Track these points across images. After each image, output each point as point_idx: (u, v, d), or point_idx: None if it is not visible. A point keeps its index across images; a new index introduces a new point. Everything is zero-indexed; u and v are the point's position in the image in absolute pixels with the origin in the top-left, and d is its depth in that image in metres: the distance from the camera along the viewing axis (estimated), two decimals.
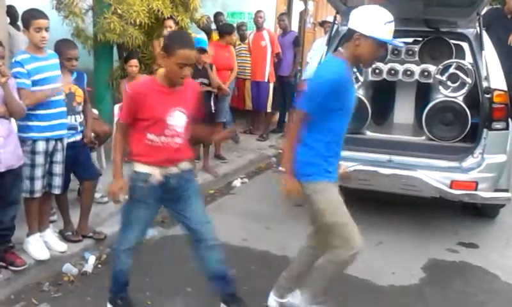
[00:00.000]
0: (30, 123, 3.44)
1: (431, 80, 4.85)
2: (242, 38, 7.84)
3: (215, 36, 7.37)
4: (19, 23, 6.14)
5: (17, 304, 3.26)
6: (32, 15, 3.38)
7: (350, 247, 2.75)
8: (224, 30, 6.89)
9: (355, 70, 4.88)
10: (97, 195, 4.43)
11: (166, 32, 6.22)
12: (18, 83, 3.32)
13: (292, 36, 8.21)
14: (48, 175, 3.59)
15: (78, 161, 3.91)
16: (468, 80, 4.60)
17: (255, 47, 7.60)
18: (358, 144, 4.38)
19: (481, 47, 4.42)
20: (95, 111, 5.13)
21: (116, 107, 6.05)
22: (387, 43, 2.68)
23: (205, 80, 5.69)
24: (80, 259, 3.80)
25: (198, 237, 2.96)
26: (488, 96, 4.17)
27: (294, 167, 2.80)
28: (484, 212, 4.86)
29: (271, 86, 7.73)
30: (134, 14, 5.84)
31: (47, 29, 3.39)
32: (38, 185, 3.51)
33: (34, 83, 3.41)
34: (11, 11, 5.93)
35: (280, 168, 4.72)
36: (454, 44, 5.13)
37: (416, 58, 5.20)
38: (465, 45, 5.03)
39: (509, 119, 4.25)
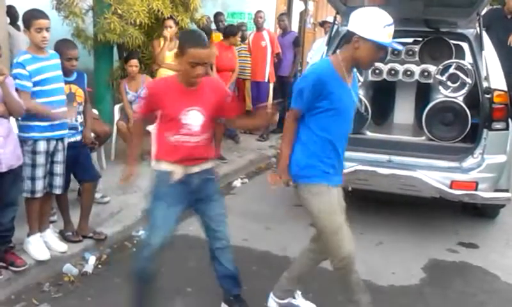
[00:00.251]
0: (31, 123, 3.44)
1: (431, 81, 4.85)
2: (242, 38, 7.85)
3: (215, 36, 7.38)
4: (19, 23, 6.17)
5: (17, 305, 3.26)
6: (33, 15, 3.38)
7: (339, 257, 2.77)
8: (229, 31, 6.88)
9: (355, 69, 4.91)
10: (97, 195, 4.43)
11: (165, 32, 6.23)
12: (18, 85, 3.32)
13: (292, 36, 8.21)
14: (49, 175, 3.59)
15: (78, 161, 3.91)
16: (468, 80, 4.60)
17: (255, 47, 7.60)
18: (358, 144, 4.38)
19: (481, 47, 4.42)
20: (95, 111, 5.14)
21: (116, 108, 6.06)
22: (386, 46, 2.67)
23: None
24: (81, 259, 3.79)
25: (215, 236, 2.96)
26: (488, 96, 4.17)
27: (288, 163, 2.83)
28: (484, 212, 4.86)
29: (271, 86, 7.72)
30: (134, 14, 5.85)
31: (47, 29, 3.39)
32: (40, 185, 3.51)
33: (36, 84, 3.41)
34: (11, 11, 5.94)
35: None
36: (454, 44, 5.13)
37: (417, 58, 5.20)
38: (465, 45, 5.03)
39: (509, 120, 4.25)
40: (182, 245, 4.25)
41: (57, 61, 3.59)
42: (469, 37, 4.63)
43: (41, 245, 3.60)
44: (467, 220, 4.88)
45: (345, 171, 3.02)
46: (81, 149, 3.96)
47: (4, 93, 3.16)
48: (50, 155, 3.55)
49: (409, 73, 4.91)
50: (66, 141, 3.68)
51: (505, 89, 4.23)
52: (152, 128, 6.12)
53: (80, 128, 3.96)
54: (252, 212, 5.01)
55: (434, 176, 4.13)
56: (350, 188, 4.23)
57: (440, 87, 4.74)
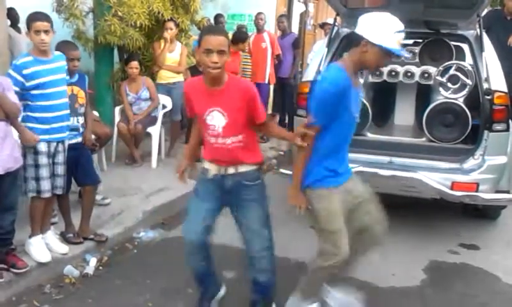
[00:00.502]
0: (30, 125, 3.43)
1: (431, 82, 4.86)
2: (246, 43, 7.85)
3: None
4: (20, 25, 6.19)
5: (19, 306, 3.26)
6: (32, 18, 3.37)
7: (333, 255, 2.79)
8: (238, 37, 6.82)
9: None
10: (98, 197, 4.43)
11: (166, 34, 6.24)
12: None
13: (291, 38, 8.21)
14: (52, 176, 3.57)
15: (79, 163, 3.91)
16: (469, 81, 4.60)
17: (255, 48, 7.60)
18: (359, 146, 4.38)
19: (481, 49, 4.42)
20: (96, 113, 5.15)
21: (117, 109, 6.07)
22: (394, 53, 2.65)
23: None
24: (82, 261, 3.79)
25: (247, 245, 2.95)
26: (488, 97, 4.17)
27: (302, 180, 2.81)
28: (485, 214, 4.85)
29: (271, 87, 7.72)
30: (134, 16, 5.86)
31: (46, 32, 3.36)
32: (46, 185, 3.49)
33: (35, 87, 3.38)
34: (11, 13, 5.96)
35: (281, 170, 4.76)
36: (454, 45, 5.13)
37: (417, 60, 5.20)
38: (465, 47, 5.04)
39: (510, 121, 4.25)
40: (182, 246, 4.23)
41: (62, 63, 3.57)
42: (469, 38, 4.63)
43: (43, 246, 3.59)
44: (468, 222, 4.88)
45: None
46: (82, 151, 3.96)
47: None
48: (51, 157, 3.54)
49: (409, 74, 4.92)
50: (67, 142, 3.68)
51: (506, 90, 4.23)
52: (153, 130, 6.19)
53: (81, 130, 3.97)
54: None
55: (435, 177, 4.13)
56: None
57: (441, 89, 4.74)
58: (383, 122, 5.34)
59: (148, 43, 6.44)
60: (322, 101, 2.69)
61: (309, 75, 4.83)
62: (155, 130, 5.96)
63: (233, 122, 2.75)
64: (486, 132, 4.17)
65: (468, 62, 4.87)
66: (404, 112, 5.35)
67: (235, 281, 3.54)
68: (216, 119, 2.75)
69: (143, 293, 3.46)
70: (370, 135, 4.92)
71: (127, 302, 3.39)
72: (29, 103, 3.41)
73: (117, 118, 5.99)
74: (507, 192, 4.29)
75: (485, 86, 4.23)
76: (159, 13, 6.13)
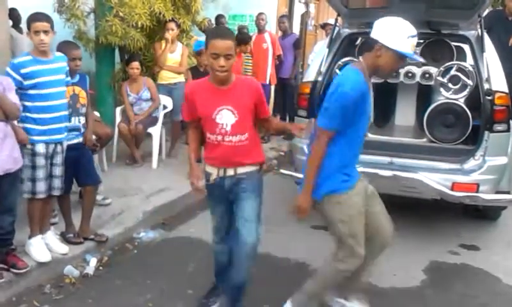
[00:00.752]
0: (28, 126, 3.42)
1: (432, 82, 4.85)
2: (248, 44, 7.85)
3: None
4: (22, 25, 6.19)
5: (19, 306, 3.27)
6: (31, 18, 3.38)
7: (350, 256, 2.82)
8: (241, 38, 6.81)
9: None
10: (99, 197, 4.43)
11: (167, 34, 6.25)
12: None
13: (292, 38, 8.22)
14: (49, 177, 3.57)
15: (80, 163, 3.91)
16: (470, 82, 4.60)
17: (256, 49, 7.59)
18: None
19: (482, 49, 4.41)
20: (97, 113, 5.15)
21: (118, 110, 6.08)
22: (408, 57, 2.69)
23: None
24: (82, 261, 3.79)
25: (238, 235, 2.90)
26: (489, 98, 4.16)
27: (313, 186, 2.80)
28: (485, 214, 4.84)
29: (272, 88, 7.72)
30: (135, 17, 5.87)
31: (46, 32, 3.35)
32: (41, 186, 3.50)
33: (32, 86, 3.37)
34: (13, 14, 5.97)
35: (282, 171, 4.76)
36: (455, 46, 5.13)
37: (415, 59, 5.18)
38: (466, 47, 5.03)
39: (511, 121, 4.24)
40: (183, 247, 4.26)
41: (63, 64, 3.56)
42: (470, 39, 4.63)
43: (43, 247, 3.60)
44: (468, 222, 4.87)
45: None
46: (83, 151, 3.96)
47: None
48: (49, 158, 3.54)
49: (410, 75, 4.91)
50: (66, 143, 3.66)
51: (507, 90, 4.22)
52: (153, 130, 6.19)
53: (82, 130, 3.96)
54: None
55: (436, 178, 4.13)
56: None
57: (441, 89, 4.74)
58: (383, 122, 5.34)
59: (149, 44, 6.44)
60: (341, 106, 2.65)
61: (310, 75, 4.83)
62: (156, 131, 5.96)
63: (242, 120, 2.78)
64: (486, 132, 4.16)
65: (469, 62, 4.86)
66: (404, 113, 5.34)
67: None
68: (225, 118, 2.77)
69: (143, 294, 3.46)
70: (371, 136, 4.91)
71: (127, 303, 3.39)
72: (27, 103, 3.38)
73: (118, 118, 5.99)
74: (508, 192, 4.28)
75: (486, 86, 4.22)
76: (160, 13, 6.14)
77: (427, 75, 4.86)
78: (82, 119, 3.96)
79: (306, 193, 2.82)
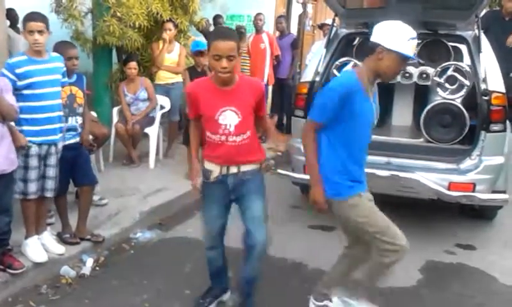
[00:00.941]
0: (22, 127, 3.39)
1: (429, 83, 4.86)
2: (241, 41, 7.86)
3: None
4: (19, 25, 6.19)
5: None
6: (26, 18, 3.36)
7: (398, 247, 2.79)
8: None
9: None
10: (95, 197, 4.42)
11: (165, 35, 6.25)
12: None
13: (290, 39, 8.22)
14: (42, 178, 3.55)
15: (77, 163, 3.90)
16: (466, 82, 4.61)
17: (254, 49, 7.60)
18: None
19: (479, 49, 4.42)
20: (94, 114, 5.15)
21: (115, 110, 6.07)
22: (409, 58, 2.72)
23: None
24: (78, 261, 3.78)
25: (250, 238, 2.93)
26: (486, 98, 4.17)
27: (320, 178, 2.80)
28: (482, 214, 4.85)
29: (270, 88, 7.73)
30: (133, 17, 5.86)
31: (40, 32, 3.33)
32: (32, 187, 3.47)
33: (26, 86, 3.35)
34: (11, 14, 5.96)
35: (279, 171, 4.77)
36: (452, 46, 5.13)
37: (412, 61, 5.19)
38: (463, 47, 5.04)
39: (507, 121, 4.25)
40: (180, 247, 4.26)
41: (59, 64, 3.54)
42: (467, 39, 4.64)
43: (39, 247, 3.59)
44: (465, 222, 4.88)
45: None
46: (80, 152, 3.95)
47: None
48: (42, 159, 3.51)
49: (407, 75, 4.92)
50: (61, 144, 3.63)
51: (504, 91, 4.23)
52: (150, 130, 6.18)
53: (79, 130, 3.96)
54: None
55: (432, 177, 4.13)
56: None
57: (438, 89, 4.75)
58: (380, 122, 5.32)
59: (146, 44, 6.44)
60: (325, 97, 2.76)
61: (307, 75, 4.84)
62: (153, 131, 5.96)
63: (245, 119, 2.80)
64: (483, 132, 4.17)
65: (466, 63, 4.87)
66: (401, 113, 5.35)
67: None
68: (229, 119, 2.78)
69: (139, 294, 3.45)
70: None
71: (123, 303, 3.39)
72: (21, 104, 3.33)
73: (115, 118, 5.99)
74: (504, 192, 4.29)
75: (483, 86, 4.22)
76: (157, 13, 6.13)
77: (424, 75, 4.86)
78: (79, 119, 3.95)
79: (314, 186, 2.82)
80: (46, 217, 3.82)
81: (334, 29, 5.09)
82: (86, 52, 6.20)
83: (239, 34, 7.07)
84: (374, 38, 2.70)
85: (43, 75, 3.41)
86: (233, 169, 2.88)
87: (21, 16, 3.95)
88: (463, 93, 4.65)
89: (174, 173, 5.64)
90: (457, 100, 4.65)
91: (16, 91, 3.34)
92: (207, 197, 3.01)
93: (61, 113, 3.60)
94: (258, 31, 7.75)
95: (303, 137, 2.84)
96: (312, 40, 11.03)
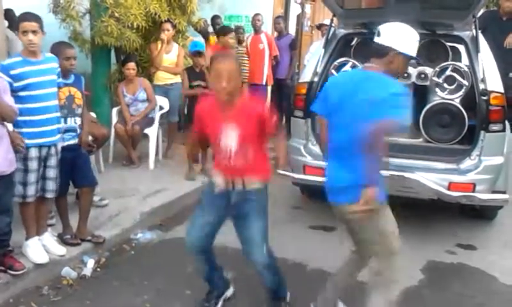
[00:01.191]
0: (21, 130, 3.37)
1: (427, 83, 4.86)
2: (240, 41, 7.85)
3: (212, 39, 7.39)
4: None
5: None
6: (20, 18, 3.35)
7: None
8: (219, 30, 6.89)
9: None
10: (96, 198, 4.42)
11: (163, 35, 6.24)
12: None
13: (288, 39, 8.23)
14: (42, 179, 3.54)
15: (76, 164, 3.89)
16: (465, 82, 4.62)
17: (252, 49, 7.60)
18: None
19: (477, 49, 4.43)
20: (93, 114, 5.14)
21: (114, 110, 6.07)
22: (414, 59, 2.85)
23: (202, 83, 5.71)
24: (79, 262, 3.78)
25: (248, 257, 3.00)
26: (484, 98, 4.18)
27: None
28: (482, 214, 4.86)
29: (269, 89, 7.73)
30: (131, 17, 5.86)
31: (34, 32, 3.31)
32: (31, 190, 3.46)
33: (23, 88, 3.34)
34: (9, 14, 5.94)
35: (279, 171, 4.76)
36: (451, 46, 5.15)
37: (413, 60, 5.20)
38: (461, 48, 5.05)
39: (506, 121, 4.26)
40: (180, 247, 4.24)
41: (53, 64, 3.53)
42: (465, 39, 4.65)
43: (40, 248, 3.58)
44: (465, 222, 4.89)
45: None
46: (79, 153, 3.94)
47: None
48: (42, 160, 3.51)
49: (405, 75, 4.92)
50: (60, 145, 3.63)
51: (502, 91, 4.24)
52: (150, 131, 6.16)
53: (78, 131, 3.95)
54: None
55: (432, 178, 4.14)
56: None
57: (437, 90, 4.75)
58: None
59: (145, 45, 6.44)
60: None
61: (306, 76, 4.84)
62: (153, 131, 5.95)
63: (246, 140, 2.81)
64: (482, 132, 4.18)
65: (464, 63, 4.88)
66: None
67: (236, 281, 3.52)
68: (229, 137, 2.81)
69: (140, 295, 3.46)
70: None
71: (124, 304, 3.39)
72: (18, 106, 3.29)
73: (114, 119, 5.98)
74: (504, 192, 4.30)
75: (481, 86, 4.24)
76: (155, 14, 6.13)
77: (422, 76, 4.87)
78: (78, 120, 3.94)
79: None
80: (47, 218, 3.82)
81: (332, 29, 5.09)
82: (84, 52, 6.19)
83: (238, 34, 7.09)
84: (385, 42, 2.71)
85: (38, 76, 3.39)
86: (239, 186, 2.90)
87: None
88: (461, 93, 4.66)
89: (174, 174, 5.64)
90: (455, 100, 4.66)
91: (13, 93, 3.30)
92: (205, 205, 3.02)
93: (58, 114, 3.59)
94: (257, 31, 7.76)
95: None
96: (310, 41, 11.04)
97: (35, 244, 3.57)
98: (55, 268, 3.61)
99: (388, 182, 4.19)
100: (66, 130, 3.82)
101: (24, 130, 3.39)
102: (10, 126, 3.37)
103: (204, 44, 6.42)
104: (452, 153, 4.41)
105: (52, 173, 3.58)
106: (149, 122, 5.98)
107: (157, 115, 6.09)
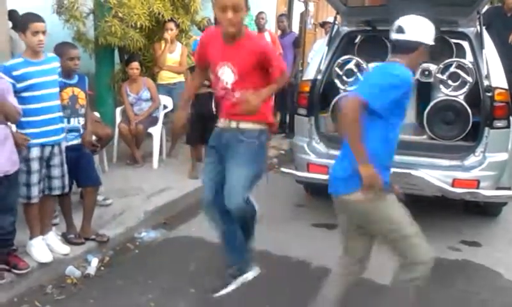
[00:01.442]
0: (24, 131, 3.39)
1: (431, 80, 4.85)
2: None
3: None
4: None
5: None
6: (29, 19, 3.36)
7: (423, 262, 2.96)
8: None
9: (355, 70, 4.91)
10: (100, 197, 4.43)
11: (166, 34, 6.25)
12: None
13: (292, 37, 8.21)
14: (48, 178, 3.56)
15: (80, 164, 3.90)
16: (469, 78, 4.59)
17: None
18: None
19: (482, 46, 4.41)
20: (97, 114, 5.16)
21: (118, 110, 6.08)
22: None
23: (206, 82, 5.69)
24: (83, 261, 3.79)
25: (223, 196, 2.88)
26: (489, 94, 4.16)
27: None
28: (486, 211, 4.84)
29: None
30: (134, 17, 5.87)
31: (44, 33, 3.34)
32: (35, 191, 3.47)
33: (25, 89, 3.35)
34: (13, 15, 5.96)
35: (282, 169, 4.77)
36: (455, 43, 5.12)
37: None
38: (466, 44, 5.02)
39: (511, 118, 4.24)
40: (184, 246, 4.26)
41: (55, 64, 3.54)
42: (469, 35, 4.63)
43: (44, 247, 3.60)
44: (469, 219, 4.87)
45: None
46: (83, 152, 3.95)
47: None
48: (45, 160, 3.51)
49: None
50: (63, 144, 3.64)
51: (506, 87, 4.22)
52: (154, 130, 6.18)
53: (82, 131, 3.96)
54: None
55: (436, 174, 4.13)
56: None
57: (441, 86, 4.73)
58: None
59: (148, 44, 6.45)
60: (388, 81, 2.55)
61: (309, 74, 4.84)
62: (156, 131, 5.96)
63: (243, 79, 2.79)
64: (486, 129, 4.17)
65: (468, 59, 4.86)
66: None
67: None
68: (226, 74, 2.80)
69: (144, 293, 3.46)
70: None
71: (128, 302, 3.40)
72: (21, 106, 3.29)
73: (118, 118, 6.00)
74: (508, 188, 4.27)
75: (485, 83, 4.22)
76: (159, 13, 6.14)
77: (426, 72, 4.86)
78: (82, 121, 3.96)
79: (362, 162, 2.59)
80: (51, 217, 3.83)
81: (336, 27, 5.08)
82: (88, 52, 6.20)
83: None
84: (412, 38, 2.65)
85: (41, 77, 3.41)
86: (233, 124, 2.88)
87: None
88: (465, 89, 4.63)
89: (177, 173, 5.65)
90: (460, 96, 4.63)
91: (15, 94, 3.31)
92: (209, 155, 3.09)
93: (61, 114, 3.60)
94: (261, 29, 7.74)
95: (347, 116, 2.51)
96: (314, 38, 11.02)
97: (39, 243, 3.58)
98: (59, 267, 3.62)
99: (393, 179, 4.21)
100: (69, 130, 3.84)
101: (27, 130, 3.40)
102: (13, 127, 3.38)
103: None
104: (456, 149, 4.39)
105: (57, 171, 3.59)
106: (153, 121, 5.99)
107: (160, 114, 6.10)
